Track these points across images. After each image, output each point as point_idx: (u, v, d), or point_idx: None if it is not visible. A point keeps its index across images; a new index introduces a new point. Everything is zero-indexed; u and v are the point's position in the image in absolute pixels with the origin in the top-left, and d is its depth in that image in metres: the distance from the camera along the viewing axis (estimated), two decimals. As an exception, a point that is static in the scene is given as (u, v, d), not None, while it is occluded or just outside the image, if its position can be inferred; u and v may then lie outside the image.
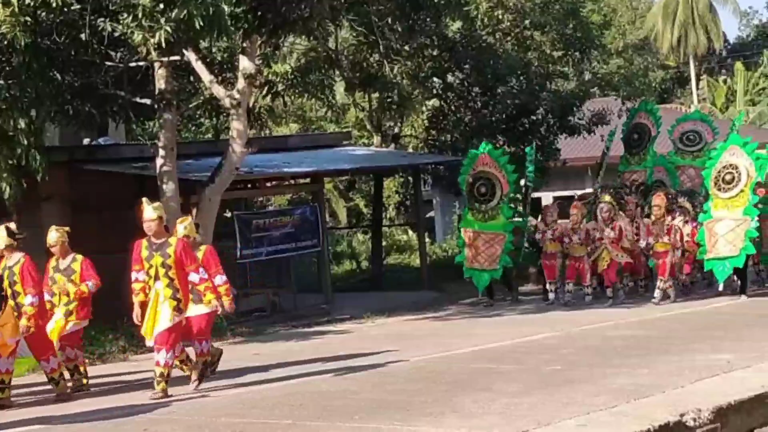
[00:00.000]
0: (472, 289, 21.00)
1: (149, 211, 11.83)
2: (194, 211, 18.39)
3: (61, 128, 20.41)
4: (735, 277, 19.65)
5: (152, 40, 15.22)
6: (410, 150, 28.61)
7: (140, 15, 15.01)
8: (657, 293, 19.39)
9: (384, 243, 28.98)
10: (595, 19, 30.00)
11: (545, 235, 20.40)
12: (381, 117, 27.30)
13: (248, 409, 10.61)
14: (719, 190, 19.35)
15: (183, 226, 12.62)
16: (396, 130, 28.15)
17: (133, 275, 11.96)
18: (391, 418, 9.54)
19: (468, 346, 14.53)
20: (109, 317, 16.29)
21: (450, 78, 26.05)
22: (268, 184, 23.85)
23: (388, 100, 25.34)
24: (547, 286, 20.72)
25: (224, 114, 20.05)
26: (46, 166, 16.31)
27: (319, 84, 21.56)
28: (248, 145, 18.12)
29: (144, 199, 12.02)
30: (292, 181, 24.22)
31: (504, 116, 25.66)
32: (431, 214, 36.53)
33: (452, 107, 26.48)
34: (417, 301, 21.40)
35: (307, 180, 23.43)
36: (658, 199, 20.02)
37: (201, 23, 15.03)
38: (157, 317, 11.63)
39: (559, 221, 20.50)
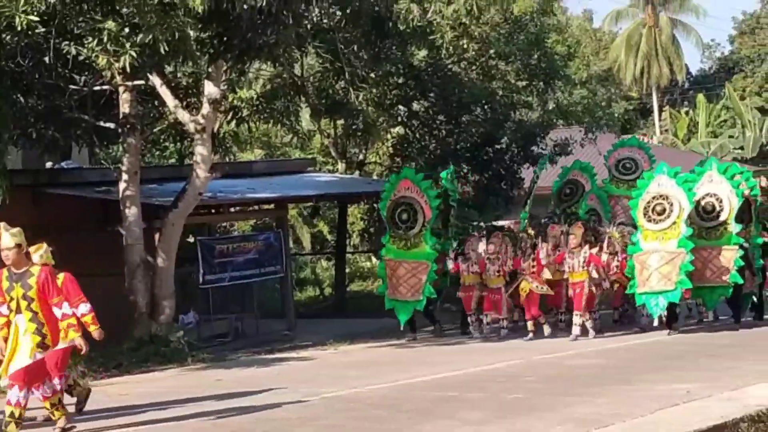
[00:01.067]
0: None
1: (6, 238, 10.52)
2: (157, 236, 18.35)
3: (24, 151, 20.33)
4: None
5: (117, 65, 15.22)
6: (375, 177, 28.62)
7: (105, 39, 15.00)
8: (575, 329, 18.56)
9: (348, 270, 28.93)
10: (560, 50, 30.21)
11: (460, 266, 19.56)
12: (346, 144, 27.32)
13: (209, 435, 10.55)
14: (649, 221, 18.37)
15: (38, 255, 11.31)
16: (361, 156, 28.17)
17: None
18: (352, 446, 9.52)
19: (431, 374, 14.52)
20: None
21: (415, 106, 26.14)
22: (232, 210, 23.80)
23: (353, 127, 25.36)
24: (468, 318, 19.92)
25: (188, 139, 20.01)
26: (9, 190, 16.21)
27: (284, 110, 21.61)
28: (212, 171, 18.10)
29: (1, 225, 10.70)
30: (256, 207, 24.17)
31: (468, 145, 25.78)
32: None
33: (417, 135, 26.57)
34: (380, 328, 21.33)
35: (272, 206, 23.39)
36: (576, 228, 19.28)
37: (166, 48, 15.04)
38: (16, 353, 10.51)
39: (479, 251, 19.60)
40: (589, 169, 22.68)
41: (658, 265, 18.01)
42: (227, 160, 23.69)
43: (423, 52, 24.77)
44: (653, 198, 18.33)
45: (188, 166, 19.27)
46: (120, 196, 18.02)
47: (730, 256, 18.73)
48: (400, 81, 25.08)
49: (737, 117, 50.39)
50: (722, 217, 18.94)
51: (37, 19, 14.88)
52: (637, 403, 11.05)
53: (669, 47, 60.96)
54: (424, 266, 19.51)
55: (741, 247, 18.82)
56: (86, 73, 17.43)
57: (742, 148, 46.28)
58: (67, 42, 15.87)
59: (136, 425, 11.36)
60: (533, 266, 19.05)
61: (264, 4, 16.03)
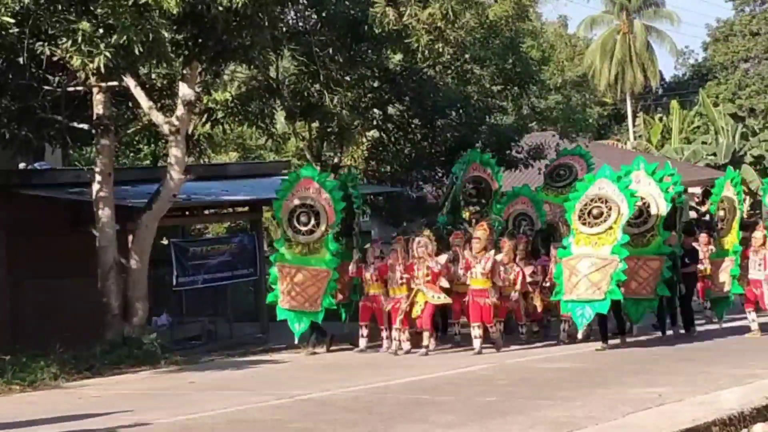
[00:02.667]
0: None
1: None
2: (131, 238, 18.28)
3: (-3, 152, 20.19)
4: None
5: (91, 65, 15.17)
6: (349, 180, 28.61)
7: (79, 40, 14.96)
8: (476, 342, 17.10)
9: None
10: (535, 55, 30.32)
11: (363, 273, 17.94)
12: (321, 147, 27.29)
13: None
14: (584, 224, 16.99)
15: None
16: (336, 160, 28.12)
17: None
18: (325, 448, 9.50)
19: (404, 377, 14.52)
20: (42, 343, 16.11)
21: (390, 109, 26.15)
22: (206, 212, 23.74)
23: (328, 130, 25.36)
24: (360, 330, 18.15)
25: (163, 140, 19.96)
26: (-19, 190, 16.12)
27: (259, 112, 21.62)
28: (186, 172, 18.06)
29: None
30: (231, 209, 24.12)
31: (443, 148, 25.80)
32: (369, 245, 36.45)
33: (392, 138, 26.57)
34: (353, 331, 21.27)
35: (246, 208, 23.34)
36: (479, 230, 17.75)
37: (140, 49, 15.01)
38: None
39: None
40: (491, 164, 21.60)
41: (588, 271, 16.61)
42: (201, 162, 23.64)
43: (398, 56, 24.79)
44: (591, 200, 17.07)
45: (162, 168, 19.22)
46: (93, 197, 17.94)
47: (656, 266, 17.60)
48: (375, 84, 25.09)
49: (710, 123, 50.68)
50: (649, 224, 17.71)
51: (11, 19, 14.82)
52: (610, 407, 11.08)
53: (643, 54, 61.31)
54: (325, 274, 17.88)
55: (669, 256, 17.76)
56: (60, 73, 17.37)
57: (715, 154, 46.51)
58: (41, 42, 15.80)
59: (108, 428, 11.30)
60: (428, 275, 17.19)
61: (239, 6, 16.02)
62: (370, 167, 27.20)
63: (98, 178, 17.83)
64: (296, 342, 18.22)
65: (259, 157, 35.10)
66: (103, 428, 11.26)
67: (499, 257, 17.65)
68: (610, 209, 16.80)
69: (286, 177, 19.17)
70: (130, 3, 15.15)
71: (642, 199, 17.61)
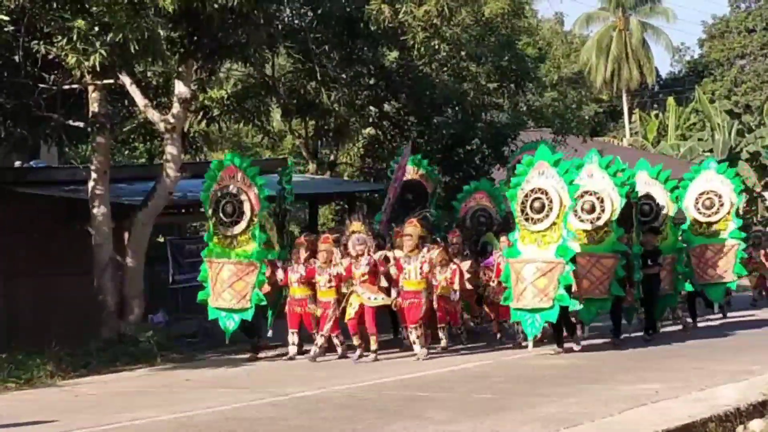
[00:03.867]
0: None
1: None
2: (126, 235, 18.29)
3: (-8, 150, 20.19)
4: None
5: (86, 63, 15.19)
6: (346, 178, 28.63)
7: (75, 38, 14.97)
8: (415, 347, 16.04)
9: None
10: (530, 52, 30.35)
11: (287, 274, 16.89)
12: (317, 144, 27.33)
13: (177, 435, 10.52)
14: (527, 220, 15.57)
15: None
16: (332, 157, 28.19)
17: None
18: (320, 445, 9.51)
19: (399, 374, 14.51)
20: (36, 341, 16.11)
21: (386, 107, 26.18)
22: (202, 210, 23.70)
23: (325, 127, 25.39)
24: (289, 336, 17.01)
25: (158, 138, 19.97)
26: (-24, 188, 16.12)
27: (255, 110, 21.62)
28: (182, 170, 18.08)
29: None
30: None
31: (439, 146, 25.83)
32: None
33: (388, 136, 26.59)
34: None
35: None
36: (409, 227, 16.36)
37: (136, 47, 15.02)
38: None
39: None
40: (425, 166, 20.85)
41: (534, 278, 15.33)
42: (197, 159, 23.63)
43: (394, 53, 24.81)
44: (531, 191, 15.57)
45: (158, 166, 19.23)
46: (89, 195, 17.94)
47: (611, 265, 16.67)
48: (372, 82, 25.11)
49: (706, 120, 50.71)
50: (602, 220, 16.74)
51: (6, 17, 14.84)
52: (606, 403, 11.09)
53: (639, 50, 61.27)
54: (252, 268, 16.73)
55: (624, 254, 16.86)
56: (56, 71, 17.36)
57: (711, 150, 46.52)
58: (36, 41, 15.83)
59: (104, 425, 11.30)
60: (364, 275, 16.00)
61: (235, 3, 16.03)
62: (366, 164, 27.23)
63: (94, 175, 17.85)
64: (226, 342, 17.21)
65: (255, 155, 35.11)
66: (99, 426, 11.27)
67: (432, 255, 16.35)
68: (551, 202, 15.38)
69: (210, 167, 17.53)
70: (125, 1, 15.17)
71: (595, 193, 16.76)
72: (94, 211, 17.84)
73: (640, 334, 18.01)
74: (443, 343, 16.84)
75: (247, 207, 16.76)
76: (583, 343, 16.84)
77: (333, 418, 11.15)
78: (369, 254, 16.14)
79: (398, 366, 15.40)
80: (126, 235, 18.32)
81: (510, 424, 10.13)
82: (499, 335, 17.91)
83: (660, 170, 19.13)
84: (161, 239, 21.21)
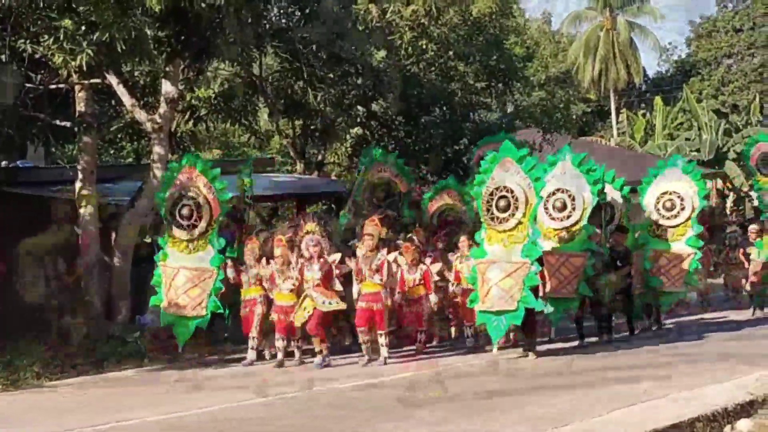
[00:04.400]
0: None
1: None
2: (114, 235, 18.23)
3: (-21, 150, 20.12)
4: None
5: (73, 63, 15.13)
6: (333, 177, 28.59)
7: (62, 37, 14.92)
8: (383, 350, 15.33)
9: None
10: (518, 51, 30.39)
11: (240, 276, 16.32)
12: (304, 144, 27.28)
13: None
14: (492, 219, 15.20)
15: None
16: (319, 157, 28.14)
17: None
18: (310, 446, 9.48)
19: (391, 374, 14.49)
20: (24, 342, 16.03)
21: (374, 106, 26.15)
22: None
23: (312, 127, 25.34)
24: (250, 341, 16.33)
25: (146, 138, 19.91)
26: (-37, 188, 16.05)
27: (242, 110, 21.58)
28: (170, 170, 17.99)
29: None
30: (214, 207, 23.99)
31: (427, 145, 25.80)
32: (354, 241, 36.43)
33: (376, 136, 26.56)
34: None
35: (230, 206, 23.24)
36: (370, 226, 15.63)
37: (123, 47, 14.97)
38: None
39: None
40: (399, 164, 20.29)
41: (498, 279, 14.95)
42: (185, 159, 23.55)
43: (382, 53, 24.79)
44: (497, 189, 15.19)
45: (145, 166, 19.17)
46: (76, 195, 17.88)
47: (580, 264, 16.46)
48: (359, 81, 25.09)
49: (694, 119, 50.78)
50: (573, 218, 16.54)
51: (-8, 16, 14.77)
52: (595, 403, 11.09)
53: (627, 50, 61.38)
54: (209, 274, 16.22)
55: (594, 253, 16.64)
56: (42, 71, 17.31)
57: (698, 150, 46.60)
58: (23, 40, 15.75)
59: (92, 426, 11.25)
60: (318, 278, 15.27)
61: (222, 3, 15.98)
62: (354, 164, 27.17)
63: (81, 175, 17.79)
64: (180, 350, 16.63)
65: (243, 154, 35.07)
66: (87, 427, 11.22)
67: (391, 257, 15.76)
68: (516, 200, 14.98)
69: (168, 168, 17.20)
70: (112, 0, 15.10)
71: (567, 191, 16.56)
72: (81, 211, 17.78)
73: (626, 333, 18.03)
74: (418, 346, 16.44)
75: (204, 210, 16.34)
76: (586, 341, 16.92)
77: (324, 417, 11.15)
78: (323, 257, 15.48)
79: (383, 368, 15.11)
80: (113, 235, 18.26)
81: (500, 423, 10.13)
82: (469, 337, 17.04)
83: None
84: (148, 240, 21.12)
